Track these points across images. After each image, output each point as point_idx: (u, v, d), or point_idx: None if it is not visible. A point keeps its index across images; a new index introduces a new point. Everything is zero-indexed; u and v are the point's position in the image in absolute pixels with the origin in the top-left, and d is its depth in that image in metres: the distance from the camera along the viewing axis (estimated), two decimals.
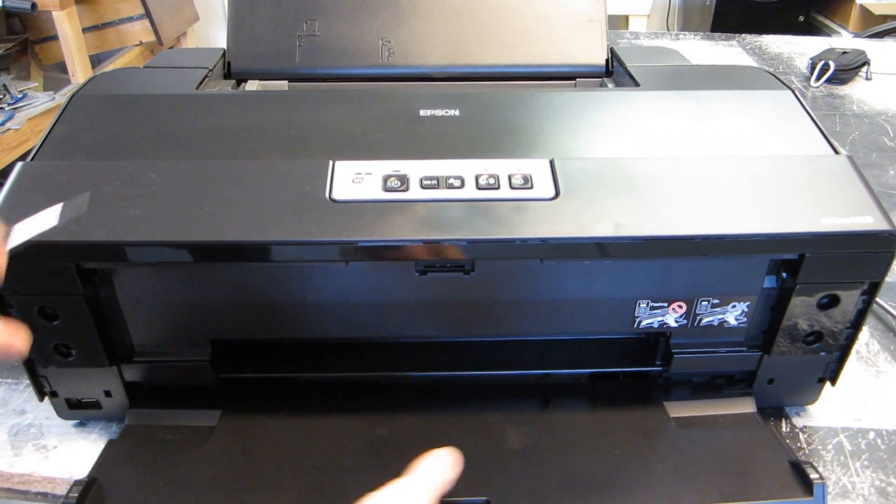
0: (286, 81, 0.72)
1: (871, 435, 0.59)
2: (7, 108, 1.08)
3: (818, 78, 1.30)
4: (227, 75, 0.72)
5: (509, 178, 0.51)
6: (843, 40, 1.89)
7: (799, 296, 0.52)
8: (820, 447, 0.58)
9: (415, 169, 0.51)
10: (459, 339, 0.58)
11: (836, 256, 0.50)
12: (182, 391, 0.58)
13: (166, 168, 0.51)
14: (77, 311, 0.50)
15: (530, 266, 0.52)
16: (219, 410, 0.56)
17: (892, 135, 1.11)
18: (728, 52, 1.47)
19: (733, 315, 0.55)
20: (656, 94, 0.62)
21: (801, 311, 0.53)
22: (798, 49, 1.49)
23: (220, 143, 0.54)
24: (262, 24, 0.72)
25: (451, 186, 0.50)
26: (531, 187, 0.50)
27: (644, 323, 0.55)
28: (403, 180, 0.50)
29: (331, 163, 0.52)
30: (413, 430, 0.53)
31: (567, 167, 0.52)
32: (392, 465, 0.50)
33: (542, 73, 0.73)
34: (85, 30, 2.12)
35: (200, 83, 0.65)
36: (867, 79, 1.33)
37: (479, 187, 0.50)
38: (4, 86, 1.09)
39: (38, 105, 1.26)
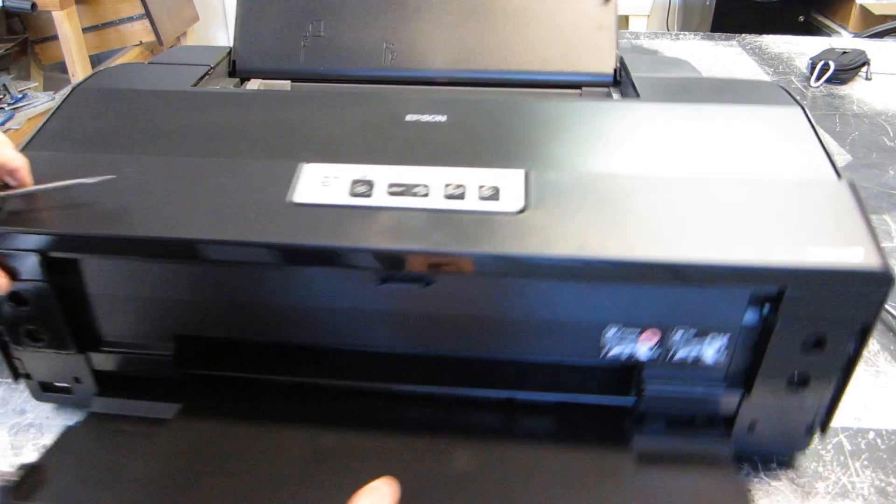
0: (289, 81, 0.72)
1: (871, 435, 0.59)
2: (7, 108, 1.11)
3: (818, 78, 1.30)
4: (232, 73, 0.72)
5: (478, 188, 0.49)
6: (843, 40, 1.87)
7: (781, 334, 0.48)
8: (819, 447, 0.57)
9: (384, 175, 0.50)
10: (422, 352, 0.56)
11: (820, 293, 0.46)
12: (150, 382, 0.58)
13: (141, 163, 0.52)
14: (44, 299, 0.51)
15: (491, 282, 0.50)
16: (178, 404, 0.56)
17: (892, 135, 1.11)
18: (728, 51, 1.46)
19: (711, 349, 0.52)
20: (655, 106, 0.59)
21: (784, 351, 0.49)
22: (798, 49, 1.48)
23: (199, 140, 0.54)
24: (268, 23, 0.72)
25: (416, 194, 0.49)
26: (498, 199, 0.48)
27: (613, 352, 0.52)
28: (370, 186, 0.49)
29: (299, 165, 0.51)
30: (360, 444, 0.52)
31: (541, 180, 0.50)
32: (331, 479, 0.50)
33: (547, 80, 0.71)
34: (85, 30, 2.11)
35: (199, 80, 0.66)
36: (867, 79, 1.32)
37: (445, 197, 0.48)
38: (4, 86, 1.12)
39: (38, 105, 1.30)
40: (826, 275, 0.45)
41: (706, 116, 0.57)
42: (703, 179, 0.50)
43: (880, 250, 0.46)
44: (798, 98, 0.61)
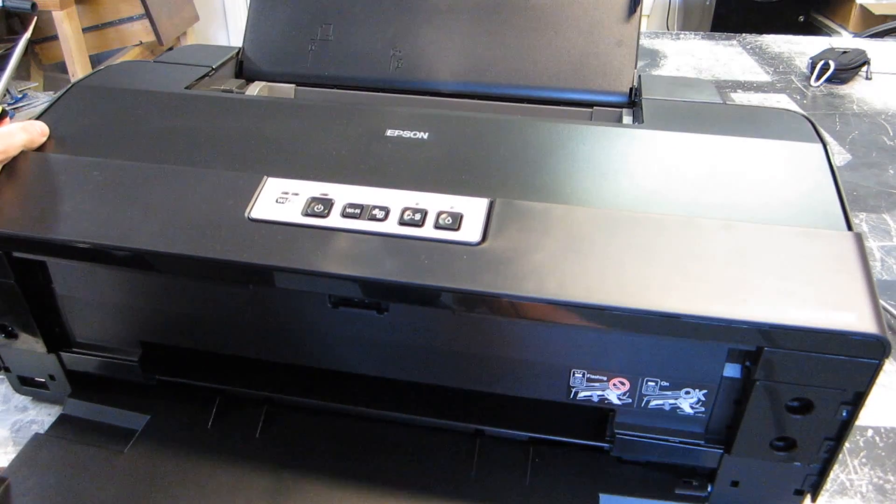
0: (293, 85, 0.71)
1: (870, 433, 0.59)
2: (7, 108, 1.13)
3: (818, 78, 1.30)
4: (239, 74, 0.72)
5: (437, 215, 0.46)
6: (843, 40, 1.84)
7: (761, 393, 0.44)
8: None
9: (344, 194, 0.48)
10: (389, 377, 0.54)
11: (803, 356, 0.41)
12: (123, 386, 0.58)
13: (109, 167, 0.51)
14: (12, 297, 0.52)
15: (448, 314, 0.47)
16: (147, 416, 0.56)
17: (891, 134, 1.11)
18: (728, 51, 1.47)
19: (688, 402, 0.47)
20: (655, 133, 0.54)
21: (765, 411, 0.44)
22: (798, 49, 1.48)
23: (172, 146, 0.54)
24: (278, 25, 0.71)
25: (372, 218, 0.46)
26: (457, 229, 0.45)
27: (582, 395, 0.49)
28: (327, 205, 0.47)
29: (264, 178, 0.50)
30: (319, 482, 0.51)
31: (506, 210, 0.46)
32: None
33: (557, 97, 0.67)
34: (85, 30, 2.12)
35: (199, 81, 0.65)
36: (867, 78, 1.32)
37: (401, 222, 0.46)
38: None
39: (38, 105, 1.30)
40: (807, 337, 0.40)
41: (711, 149, 0.53)
42: (688, 219, 0.46)
43: (877, 313, 0.41)
44: (819, 129, 0.55)
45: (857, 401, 0.43)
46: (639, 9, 0.67)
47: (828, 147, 0.53)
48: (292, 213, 0.47)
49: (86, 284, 0.53)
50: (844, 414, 0.44)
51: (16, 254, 0.49)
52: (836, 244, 0.44)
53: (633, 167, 0.51)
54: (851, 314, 0.40)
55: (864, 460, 0.57)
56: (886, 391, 0.63)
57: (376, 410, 0.54)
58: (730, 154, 0.52)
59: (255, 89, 0.70)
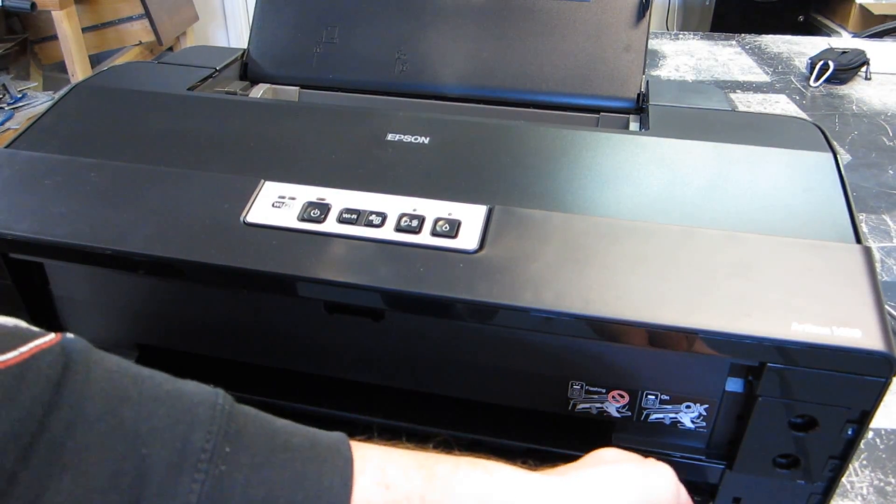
0: (297, 88, 0.70)
1: (870, 434, 0.58)
2: (7, 108, 1.13)
3: (817, 78, 1.30)
4: (243, 76, 0.71)
5: (434, 222, 0.45)
6: (843, 40, 1.84)
7: (763, 409, 0.42)
8: None
9: (341, 199, 0.48)
10: (383, 383, 0.53)
11: (807, 373, 0.40)
12: None
13: (107, 168, 0.51)
14: (9, 298, 0.52)
15: (444, 322, 0.46)
16: None
17: (891, 135, 1.11)
18: (727, 51, 1.47)
19: (689, 417, 0.46)
20: (660, 141, 0.53)
21: (768, 427, 0.43)
22: (798, 49, 1.48)
23: (172, 148, 0.53)
24: (283, 27, 0.71)
25: (369, 224, 0.46)
26: (454, 236, 0.44)
27: (580, 407, 0.48)
28: (324, 210, 0.47)
29: (261, 182, 0.49)
30: None
31: (505, 218, 0.46)
32: None
33: (564, 103, 0.66)
34: (84, 30, 2.12)
35: (201, 83, 0.65)
36: (867, 79, 1.32)
37: (397, 229, 0.45)
38: (4, 86, 1.15)
39: (38, 105, 1.30)
40: (811, 353, 0.39)
41: (716, 157, 0.51)
42: (691, 229, 0.45)
43: (885, 329, 0.39)
44: (830, 138, 0.54)
45: (863, 419, 0.42)
46: (647, 14, 0.66)
47: (838, 156, 0.52)
48: (288, 217, 0.46)
49: (83, 286, 0.53)
50: (850, 432, 0.42)
51: (13, 255, 0.49)
52: (844, 257, 0.43)
53: (636, 175, 0.50)
54: (857, 330, 0.39)
55: (864, 462, 0.56)
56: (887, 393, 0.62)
57: (371, 417, 0.53)
58: (736, 163, 0.51)
59: (259, 91, 0.69)
